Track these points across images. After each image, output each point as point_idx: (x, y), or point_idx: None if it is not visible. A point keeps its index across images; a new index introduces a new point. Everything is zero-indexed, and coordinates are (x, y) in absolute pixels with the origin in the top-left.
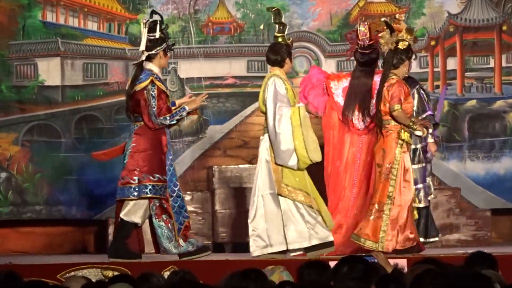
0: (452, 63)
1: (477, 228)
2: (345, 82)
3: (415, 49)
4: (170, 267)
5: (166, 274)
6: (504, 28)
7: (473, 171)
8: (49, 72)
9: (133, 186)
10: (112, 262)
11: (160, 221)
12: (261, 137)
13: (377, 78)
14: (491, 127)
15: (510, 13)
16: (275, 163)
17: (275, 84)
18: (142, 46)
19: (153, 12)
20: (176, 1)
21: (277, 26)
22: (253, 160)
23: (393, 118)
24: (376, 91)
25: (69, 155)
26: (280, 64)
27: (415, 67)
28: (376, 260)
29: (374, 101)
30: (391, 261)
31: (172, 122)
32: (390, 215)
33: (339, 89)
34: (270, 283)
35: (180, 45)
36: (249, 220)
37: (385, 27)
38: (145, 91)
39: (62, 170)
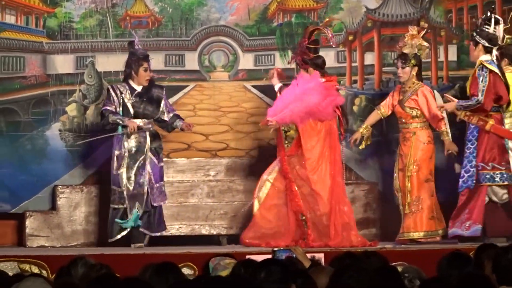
0: (370, 58)
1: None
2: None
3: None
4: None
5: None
6: (422, 23)
7: (391, 165)
8: None
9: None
10: (29, 256)
11: None
12: None
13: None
14: None
15: (428, 8)
16: None
17: None
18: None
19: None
20: None
21: None
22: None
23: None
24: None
25: None
26: None
27: (333, 62)
28: (294, 255)
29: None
30: (309, 255)
31: None
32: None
33: None
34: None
35: (98, 39)
36: None
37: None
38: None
39: None
